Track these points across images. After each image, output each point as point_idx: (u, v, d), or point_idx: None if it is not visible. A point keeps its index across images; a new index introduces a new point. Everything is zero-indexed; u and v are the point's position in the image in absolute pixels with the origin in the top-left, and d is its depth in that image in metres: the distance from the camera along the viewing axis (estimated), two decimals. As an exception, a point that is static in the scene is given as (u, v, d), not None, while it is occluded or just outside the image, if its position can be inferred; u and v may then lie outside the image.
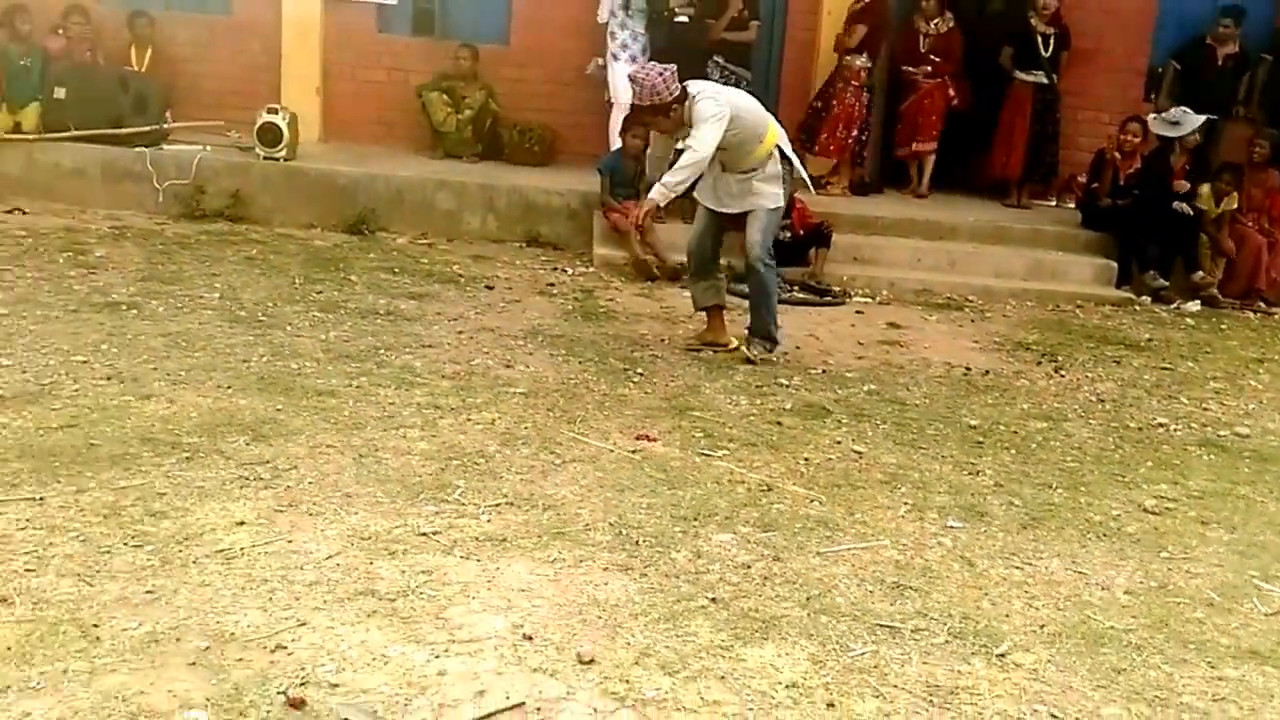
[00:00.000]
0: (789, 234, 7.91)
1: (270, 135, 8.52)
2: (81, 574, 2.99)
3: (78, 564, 3.04)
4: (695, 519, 3.65)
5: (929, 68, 9.36)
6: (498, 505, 3.65)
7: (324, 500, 3.60)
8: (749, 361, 5.84)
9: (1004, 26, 9.64)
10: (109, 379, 4.73)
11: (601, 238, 8.38)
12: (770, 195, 5.86)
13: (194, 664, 2.60)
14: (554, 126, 9.86)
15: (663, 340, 6.19)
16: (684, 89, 5.55)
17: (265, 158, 8.55)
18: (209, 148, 8.76)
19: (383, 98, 9.91)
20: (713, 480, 4.03)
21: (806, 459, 4.38)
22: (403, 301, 6.56)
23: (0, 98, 8.49)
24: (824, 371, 5.80)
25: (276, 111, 8.57)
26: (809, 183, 6.42)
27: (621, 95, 9.31)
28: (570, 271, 7.89)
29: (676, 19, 9.12)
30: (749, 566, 3.34)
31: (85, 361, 4.93)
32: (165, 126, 8.71)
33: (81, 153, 8.45)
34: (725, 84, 8.99)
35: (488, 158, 9.65)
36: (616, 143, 9.50)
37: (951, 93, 9.39)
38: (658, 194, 5.68)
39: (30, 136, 8.45)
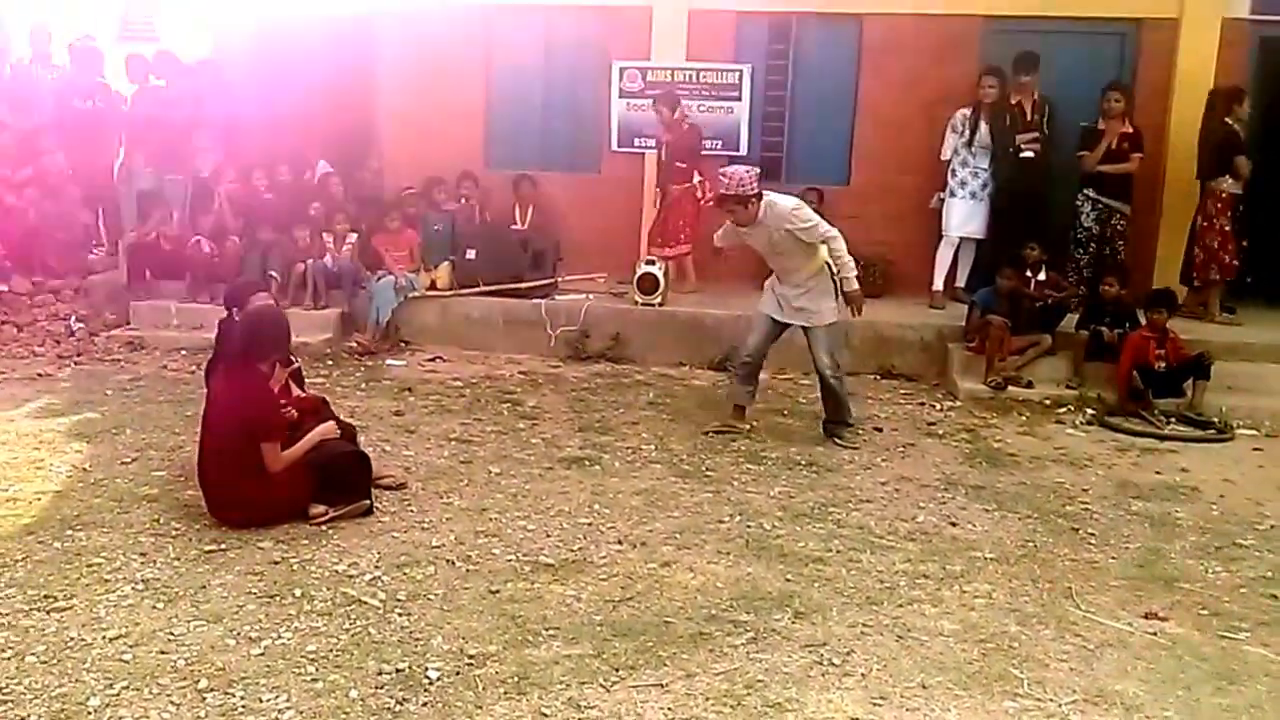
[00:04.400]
0: (1163, 364, 7.73)
1: (648, 284, 9.03)
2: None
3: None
4: (1296, 731, 3.58)
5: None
6: (1074, 702, 3.69)
7: (906, 692, 3.74)
8: (843, 446, 6.66)
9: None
10: (621, 543, 5.07)
11: (962, 370, 8.40)
12: (827, 310, 6.60)
13: None
14: (889, 258, 10.01)
15: (1085, 490, 6.13)
16: (761, 193, 6.32)
17: (642, 304, 9.04)
18: (591, 296, 9.36)
19: (730, 239, 10.31)
20: (1264, 674, 3.94)
21: (1333, 644, 4.24)
22: (808, 448, 6.73)
23: (420, 259, 9.34)
24: (1272, 527, 5.60)
25: (653, 263, 9.07)
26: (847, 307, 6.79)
27: (952, 230, 9.43)
28: (939, 407, 7.92)
29: (1022, 154, 9.14)
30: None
31: (590, 524, 5.31)
32: (557, 279, 9.36)
33: (487, 305, 9.19)
34: (1099, 220, 9.04)
35: (830, 290, 9.87)
36: (941, 272, 9.61)
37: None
38: (856, 284, 6.61)
39: (446, 293, 9.25)
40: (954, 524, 5.53)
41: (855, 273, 6.64)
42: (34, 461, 5.82)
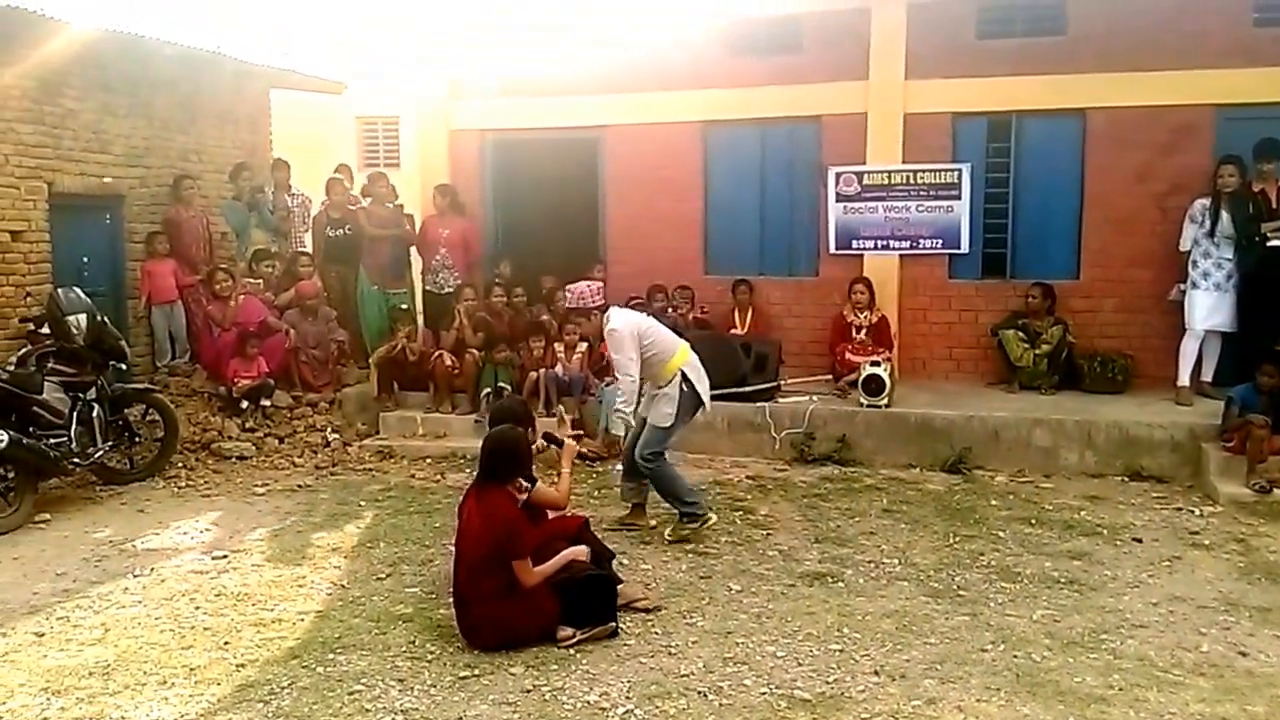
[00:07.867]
0: None
1: (874, 385, 8.56)
2: None
3: None
4: None
5: None
6: None
7: None
8: (676, 540, 6.33)
9: None
10: (878, 674, 4.58)
11: (1220, 472, 7.50)
12: (661, 415, 6.38)
13: None
14: (1127, 353, 9.20)
15: (1396, 617, 5.21)
16: (606, 305, 6.50)
17: (868, 406, 8.57)
18: (815, 398, 8.95)
19: (953, 336, 9.78)
20: None
21: None
22: (1064, 563, 6.06)
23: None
24: None
25: (879, 364, 8.61)
26: (707, 407, 6.62)
27: (1197, 323, 8.54)
28: (1199, 513, 7.06)
29: (1270, 242, 8.24)
30: None
31: (841, 650, 4.84)
32: (780, 382, 9.02)
33: (710, 408, 8.86)
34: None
35: (1063, 388, 9.13)
36: (1187, 366, 8.68)
37: None
38: (618, 428, 6.32)
39: (670, 398, 9.02)
40: (1244, 654, 4.78)
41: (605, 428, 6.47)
42: (297, 579, 5.85)
